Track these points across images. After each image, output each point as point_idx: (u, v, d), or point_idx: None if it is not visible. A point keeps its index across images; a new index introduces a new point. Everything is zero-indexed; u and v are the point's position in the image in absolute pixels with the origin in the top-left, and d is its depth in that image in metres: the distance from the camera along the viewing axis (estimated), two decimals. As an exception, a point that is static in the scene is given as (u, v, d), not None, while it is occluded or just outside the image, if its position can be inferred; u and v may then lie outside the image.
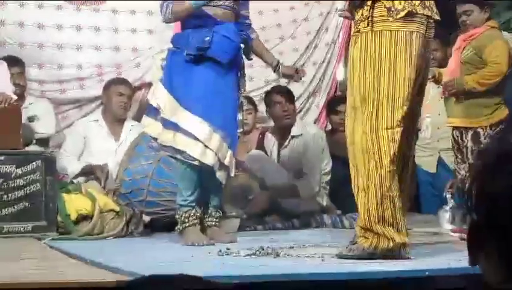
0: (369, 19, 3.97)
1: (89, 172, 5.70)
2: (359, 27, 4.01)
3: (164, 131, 4.51)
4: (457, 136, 5.10)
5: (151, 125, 4.63)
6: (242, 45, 4.67)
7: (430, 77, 5.11)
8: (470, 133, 4.99)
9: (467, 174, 5.05)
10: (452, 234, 5.06)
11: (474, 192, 1.35)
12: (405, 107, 3.99)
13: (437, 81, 5.22)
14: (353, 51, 4.05)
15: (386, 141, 3.96)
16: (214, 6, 4.54)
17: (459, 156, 5.10)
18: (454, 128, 5.12)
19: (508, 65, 4.99)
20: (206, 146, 4.43)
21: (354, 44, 4.06)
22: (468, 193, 1.36)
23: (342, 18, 6.38)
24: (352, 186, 4.06)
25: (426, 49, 4.19)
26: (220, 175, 4.53)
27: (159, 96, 4.56)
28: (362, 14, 4.01)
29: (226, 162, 4.52)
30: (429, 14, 4.10)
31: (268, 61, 4.92)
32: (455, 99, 5.04)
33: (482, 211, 1.33)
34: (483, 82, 4.93)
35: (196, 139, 4.43)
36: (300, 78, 5.00)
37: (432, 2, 4.13)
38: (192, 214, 4.52)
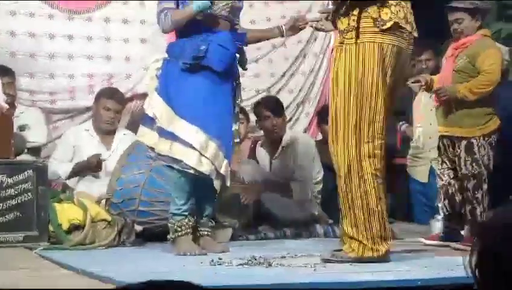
0: (356, 30, 3.99)
1: (81, 168, 5.71)
2: (344, 37, 4.03)
3: (161, 141, 4.51)
4: (448, 145, 5.11)
5: (147, 135, 4.62)
6: (237, 55, 4.68)
7: (422, 83, 5.14)
8: (464, 143, 5.00)
9: (452, 181, 5.08)
10: (425, 241, 5.09)
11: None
12: (382, 121, 4.03)
13: (429, 88, 5.23)
14: (337, 63, 4.06)
15: (367, 155, 3.99)
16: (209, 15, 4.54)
17: (447, 164, 5.11)
18: (444, 136, 5.12)
19: (500, 74, 5.02)
20: (202, 155, 4.43)
21: (337, 56, 4.07)
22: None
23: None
24: (339, 195, 4.09)
25: (405, 63, 4.24)
26: (216, 184, 4.53)
27: (155, 105, 4.56)
28: (349, 24, 4.03)
29: (222, 171, 4.52)
30: (410, 30, 4.13)
31: (272, 36, 4.95)
32: (448, 109, 5.05)
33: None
34: (476, 91, 4.95)
35: (193, 148, 4.43)
36: (305, 24, 4.89)
37: (413, 18, 4.16)
38: (185, 223, 4.52)
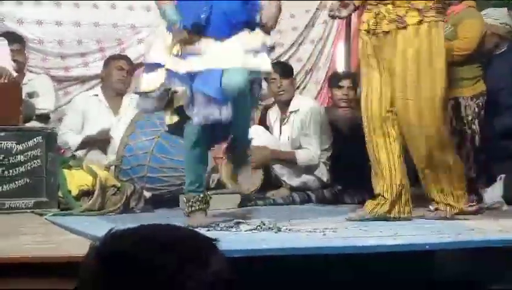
0: (437, 8, 4.30)
1: (91, 142, 5.73)
2: (425, 16, 4.25)
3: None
4: None
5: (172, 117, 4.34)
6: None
7: None
8: (451, 102, 5.10)
9: None
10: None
11: None
12: None
13: None
14: (419, 40, 4.28)
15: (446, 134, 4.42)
16: None
17: None
18: None
19: (478, 44, 5.16)
20: None
21: (415, 33, 4.27)
22: None
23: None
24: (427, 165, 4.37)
25: None
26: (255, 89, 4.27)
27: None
28: (427, 4, 4.28)
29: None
30: None
31: None
32: None
33: None
34: (450, 53, 5.07)
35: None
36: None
37: None
38: (200, 199, 4.29)
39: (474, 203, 4.90)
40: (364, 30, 4.45)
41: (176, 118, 4.28)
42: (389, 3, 4.32)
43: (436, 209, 4.43)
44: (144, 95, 4.26)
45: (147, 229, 1.31)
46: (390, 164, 4.35)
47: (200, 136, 4.24)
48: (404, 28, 4.28)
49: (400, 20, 4.27)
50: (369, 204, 4.39)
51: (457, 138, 5.08)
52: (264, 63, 4.13)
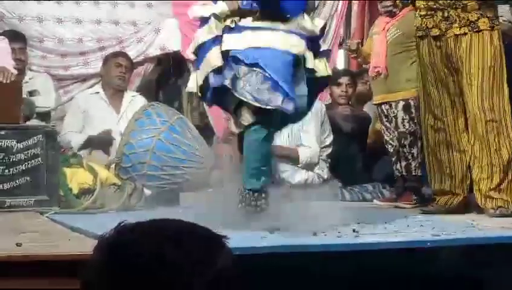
0: (497, 18, 4.54)
1: (93, 142, 5.75)
2: (494, 23, 4.48)
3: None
4: (387, 110, 5.33)
5: None
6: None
7: (353, 48, 5.51)
8: (402, 103, 5.25)
9: (398, 143, 5.31)
10: (379, 203, 5.41)
11: None
12: None
13: (353, 51, 5.58)
14: (492, 45, 4.45)
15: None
16: None
17: (390, 127, 5.33)
18: (382, 104, 5.36)
19: None
20: None
21: (489, 39, 4.46)
22: None
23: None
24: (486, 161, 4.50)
25: None
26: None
27: None
28: (494, 12, 4.52)
29: None
30: None
31: None
32: (386, 78, 5.29)
33: None
34: None
35: None
36: None
37: None
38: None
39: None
40: (434, 36, 4.58)
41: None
42: (459, 8, 4.48)
43: (499, 207, 4.49)
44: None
45: (157, 223, 1.32)
46: (462, 162, 4.63)
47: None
48: (478, 32, 4.47)
49: (473, 25, 4.47)
50: (442, 199, 4.69)
51: (410, 138, 5.23)
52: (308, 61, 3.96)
